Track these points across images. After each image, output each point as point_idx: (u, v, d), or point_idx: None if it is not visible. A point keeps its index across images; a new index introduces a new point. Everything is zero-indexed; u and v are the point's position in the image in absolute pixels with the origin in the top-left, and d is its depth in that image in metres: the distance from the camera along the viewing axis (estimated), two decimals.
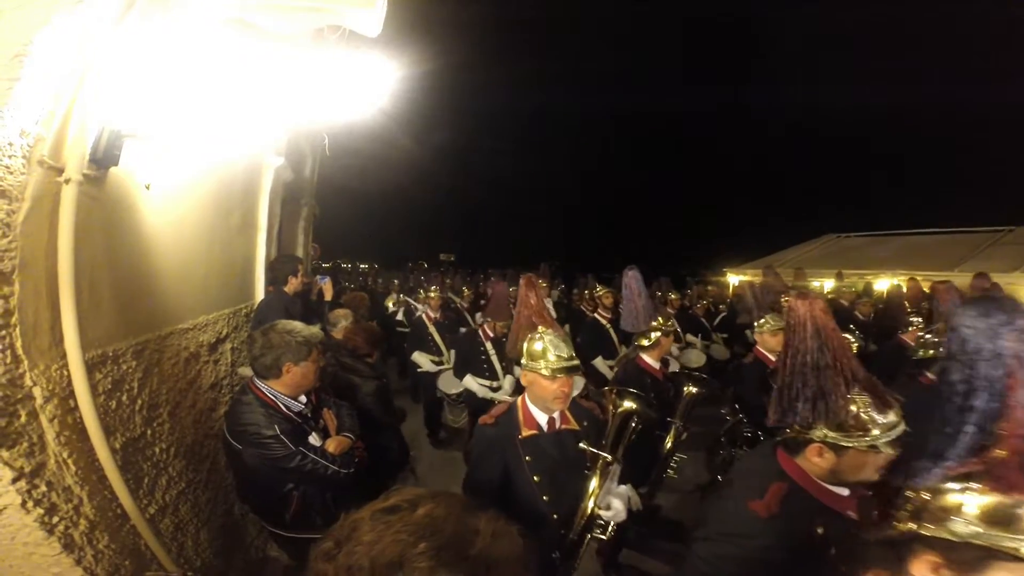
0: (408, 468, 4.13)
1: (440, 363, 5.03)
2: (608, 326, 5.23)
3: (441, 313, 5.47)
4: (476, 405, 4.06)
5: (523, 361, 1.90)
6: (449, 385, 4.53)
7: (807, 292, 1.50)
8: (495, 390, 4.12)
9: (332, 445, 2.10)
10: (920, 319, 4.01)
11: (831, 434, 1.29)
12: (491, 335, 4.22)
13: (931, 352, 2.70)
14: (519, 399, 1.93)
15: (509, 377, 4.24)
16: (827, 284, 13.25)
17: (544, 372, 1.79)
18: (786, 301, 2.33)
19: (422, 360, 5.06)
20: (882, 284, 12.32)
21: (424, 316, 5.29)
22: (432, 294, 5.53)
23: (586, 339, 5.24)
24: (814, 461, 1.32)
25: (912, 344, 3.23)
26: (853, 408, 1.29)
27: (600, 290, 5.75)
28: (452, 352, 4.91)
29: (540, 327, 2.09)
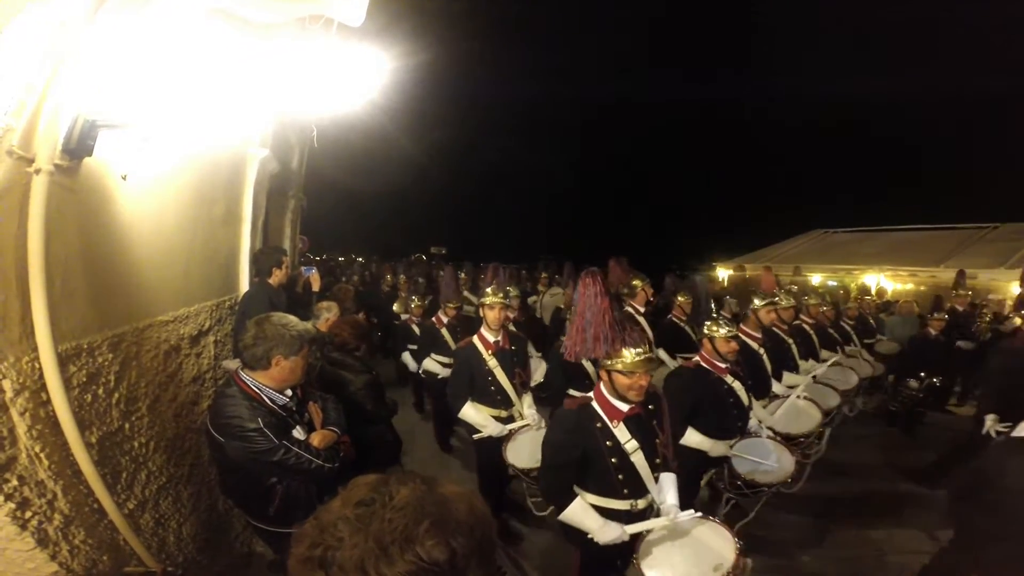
0: (398, 463, 4.13)
1: (507, 419, 3.17)
2: (762, 352, 3.63)
3: (505, 336, 3.23)
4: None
5: None
6: (524, 455, 2.83)
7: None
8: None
9: (316, 439, 2.08)
10: None
11: None
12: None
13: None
14: None
15: (527, 397, 3.25)
16: (814, 279, 13.49)
17: None
18: None
19: (476, 415, 3.10)
20: (869, 279, 12.51)
21: (478, 340, 3.19)
22: (490, 300, 3.17)
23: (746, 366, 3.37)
24: None
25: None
26: None
27: (758, 303, 3.62)
28: (526, 400, 3.25)
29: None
